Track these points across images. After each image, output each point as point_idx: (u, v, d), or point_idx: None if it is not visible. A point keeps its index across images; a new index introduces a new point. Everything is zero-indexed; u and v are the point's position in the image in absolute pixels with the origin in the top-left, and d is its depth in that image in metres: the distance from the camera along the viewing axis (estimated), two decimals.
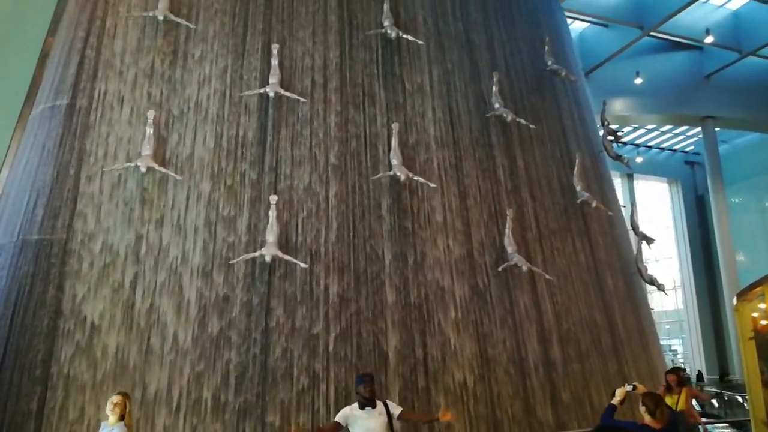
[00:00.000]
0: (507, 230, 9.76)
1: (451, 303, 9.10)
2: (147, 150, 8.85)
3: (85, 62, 9.72)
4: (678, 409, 7.81)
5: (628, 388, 5.08)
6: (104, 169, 8.92)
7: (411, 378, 8.44)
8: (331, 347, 8.30)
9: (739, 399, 18.14)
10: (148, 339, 8.10)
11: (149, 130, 8.97)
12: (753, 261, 26.95)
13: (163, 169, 8.80)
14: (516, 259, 9.49)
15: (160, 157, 8.96)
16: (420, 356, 8.60)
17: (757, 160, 26.84)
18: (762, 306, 5.31)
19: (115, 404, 4.93)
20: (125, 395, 5.23)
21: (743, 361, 6.23)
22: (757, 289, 5.35)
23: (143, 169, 8.71)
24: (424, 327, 8.80)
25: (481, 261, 9.63)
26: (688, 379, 21.36)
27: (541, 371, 9.39)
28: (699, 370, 25.41)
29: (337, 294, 8.60)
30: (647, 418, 4.66)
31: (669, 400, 7.82)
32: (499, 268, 9.55)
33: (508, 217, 9.87)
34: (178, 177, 8.88)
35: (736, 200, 27.41)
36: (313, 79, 9.87)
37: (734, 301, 6.27)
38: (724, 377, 22.73)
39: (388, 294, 8.80)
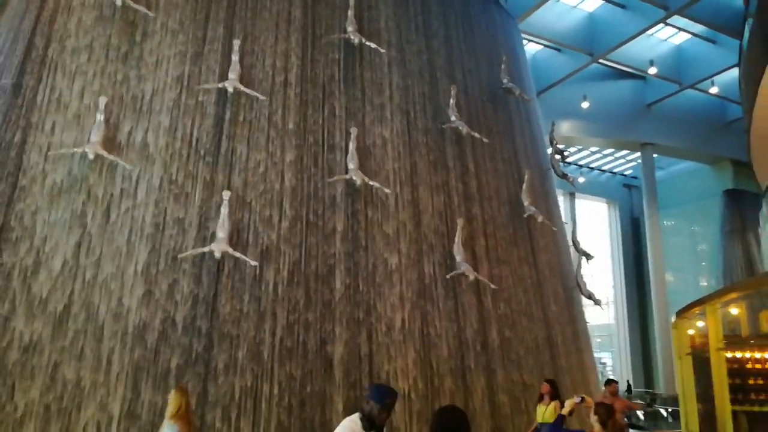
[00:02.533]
0: (457, 239, 9.99)
1: (398, 306, 9.23)
2: (96, 136, 8.57)
3: (35, 40, 9.34)
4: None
5: (577, 400, 5.20)
6: (49, 153, 8.58)
7: (355, 380, 8.48)
8: (276, 346, 8.25)
9: (663, 412, 19.10)
10: (85, 332, 7.80)
11: (100, 117, 8.70)
12: (682, 281, 28.46)
13: (112, 157, 8.55)
14: (464, 267, 9.72)
15: (109, 144, 8.71)
16: (365, 357, 8.66)
17: (690, 187, 28.37)
18: (700, 324, 5.65)
19: (171, 401, 5.07)
20: (179, 390, 5.30)
21: (678, 375, 6.59)
22: (696, 308, 5.70)
23: (91, 156, 8.43)
24: (371, 328, 8.89)
25: (430, 268, 9.81)
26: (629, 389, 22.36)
27: (482, 378, 9.63)
28: (628, 381, 26.53)
29: (286, 293, 8.57)
30: (597, 428, 4.67)
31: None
32: (448, 276, 9.75)
33: (458, 227, 10.10)
34: (128, 166, 8.65)
35: (669, 224, 28.87)
36: (274, 77, 9.83)
37: (673, 318, 6.64)
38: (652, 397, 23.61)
39: (337, 295, 8.84)
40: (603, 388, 9.63)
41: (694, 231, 29.48)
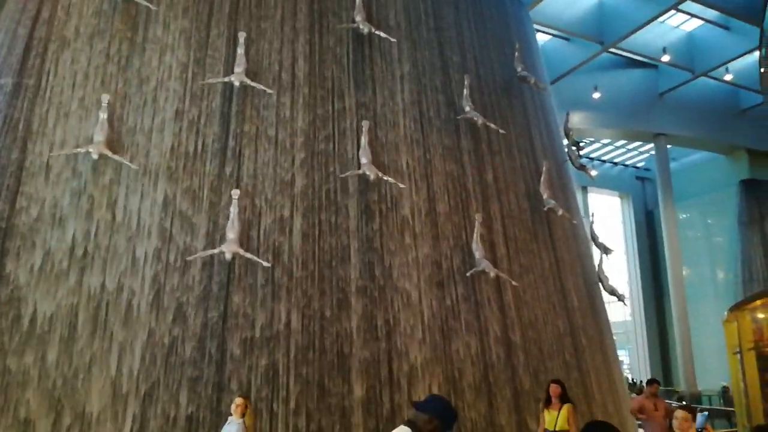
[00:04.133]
0: (475, 235, 9.59)
1: (417, 305, 8.84)
2: (100, 136, 8.25)
3: (35, 38, 9.06)
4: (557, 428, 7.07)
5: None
6: (51, 154, 8.27)
7: (374, 378, 8.10)
8: (292, 349, 7.89)
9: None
10: (93, 340, 7.48)
11: (103, 115, 8.38)
12: (699, 276, 27.89)
13: (116, 157, 8.23)
14: (484, 264, 9.32)
15: (113, 144, 8.38)
16: (384, 356, 8.28)
17: (704, 178, 27.82)
18: (761, 316, 5.27)
19: (237, 405, 5.51)
20: (246, 398, 5.78)
21: (732, 371, 6.20)
22: (758, 301, 5.33)
23: (95, 156, 8.11)
24: (389, 328, 8.50)
25: (448, 265, 9.42)
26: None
27: (504, 377, 9.23)
28: (640, 381, 26.00)
29: (300, 294, 8.21)
30: None
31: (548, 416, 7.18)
32: (467, 274, 9.36)
33: (476, 222, 9.70)
34: (133, 166, 8.32)
35: (683, 216, 28.33)
36: (281, 71, 9.47)
37: (725, 314, 6.25)
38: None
39: (353, 295, 8.47)
40: (630, 385, 9.20)
41: (710, 223, 28.93)
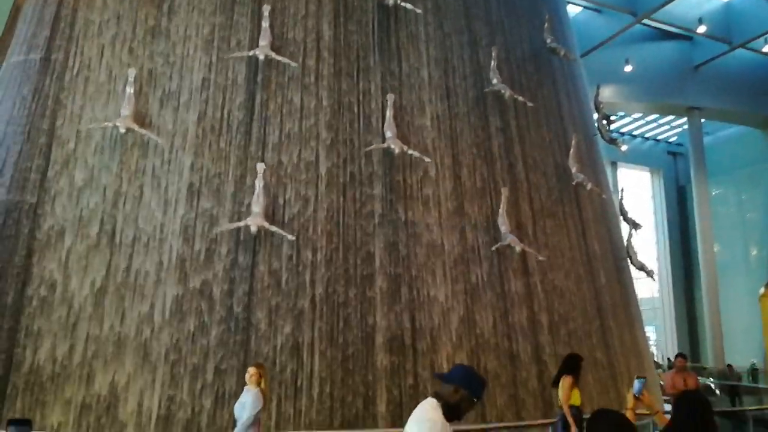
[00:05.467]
0: (501, 209, 9.48)
1: (441, 280, 8.82)
2: (126, 110, 8.33)
3: (62, 14, 9.13)
4: None
5: (635, 389, 4.20)
6: (80, 128, 8.38)
7: (398, 353, 8.14)
8: (317, 322, 7.96)
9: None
10: (123, 314, 7.65)
11: (129, 90, 8.43)
12: (730, 252, 27.30)
13: (143, 131, 8.30)
14: (510, 239, 9.23)
15: (140, 118, 8.45)
16: (408, 331, 8.30)
17: (739, 153, 27.04)
18: None
19: (251, 375, 5.50)
20: (259, 366, 5.74)
21: None
22: None
23: (122, 130, 8.19)
24: (413, 303, 8.50)
25: (474, 239, 9.34)
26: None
27: (530, 353, 9.19)
28: (669, 359, 25.68)
29: (325, 267, 8.24)
30: None
31: None
32: (493, 248, 9.28)
33: (503, 196, 9.58)
34: (160, 140, 8.39)
35: (716, 192, 27.64)
36: (305, 44, 9.37)
37: (762, 289, 6.07)
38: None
39: (378, 269, 8.47)
40: (658, 362, 8.99)
41: (743, 199, 28.18)
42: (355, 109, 9.25)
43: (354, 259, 8.43)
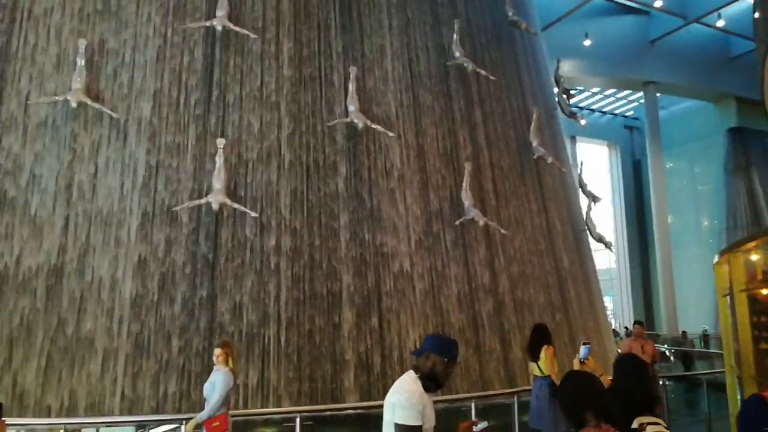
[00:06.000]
0: (464, 183, 9.53)
1: (406, 253, 8.86)
2: (78, 83, 7.98)
3: None
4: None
5: (581, 355, 4.51)
6: (28, 102, 8.00)
7: (364, 329, 8.18)
8: (282, 299, 7.91)
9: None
10: (81, 295, 7.44)
11: (80, 61, 8.08)
12: (682, 223, 28.26)
13: (96, 105, 7.99)
14: (473, 213, 9.30)
15: (93, 91, 8.12)
16: (374, 306, 8.34)
17: (692, 126, 27.82)
18: (754, 258, 5.30)
19: (218, 354, 5.43)
20: (226, 344, 5.61)
21: (722, 314, 6.28)
22: (751, 243, 5.34)
23: (74, 104, 7.86)
24: (379, 277, 8.53)
25: (437, 212, 9.39)
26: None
27: (493, 322, 9.36)
28: (626, 328, 26.62)
29: (289, 243, 8.17)
30: None
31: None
32: (456, 222, 9.35)
33: (465, 171, 9.62)
34: (114, 114, 8.09)
35: (670, 165, 28.45)
36: (265, 14, 9.13)
37: (716, 257, 6.26)
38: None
39: (342, 243, 8.44)
40: (616, 330, 9.25)
41: (696, 171, 29.10)
42: (317, 83, 9.10)
43: (319, 230, 8.37)
